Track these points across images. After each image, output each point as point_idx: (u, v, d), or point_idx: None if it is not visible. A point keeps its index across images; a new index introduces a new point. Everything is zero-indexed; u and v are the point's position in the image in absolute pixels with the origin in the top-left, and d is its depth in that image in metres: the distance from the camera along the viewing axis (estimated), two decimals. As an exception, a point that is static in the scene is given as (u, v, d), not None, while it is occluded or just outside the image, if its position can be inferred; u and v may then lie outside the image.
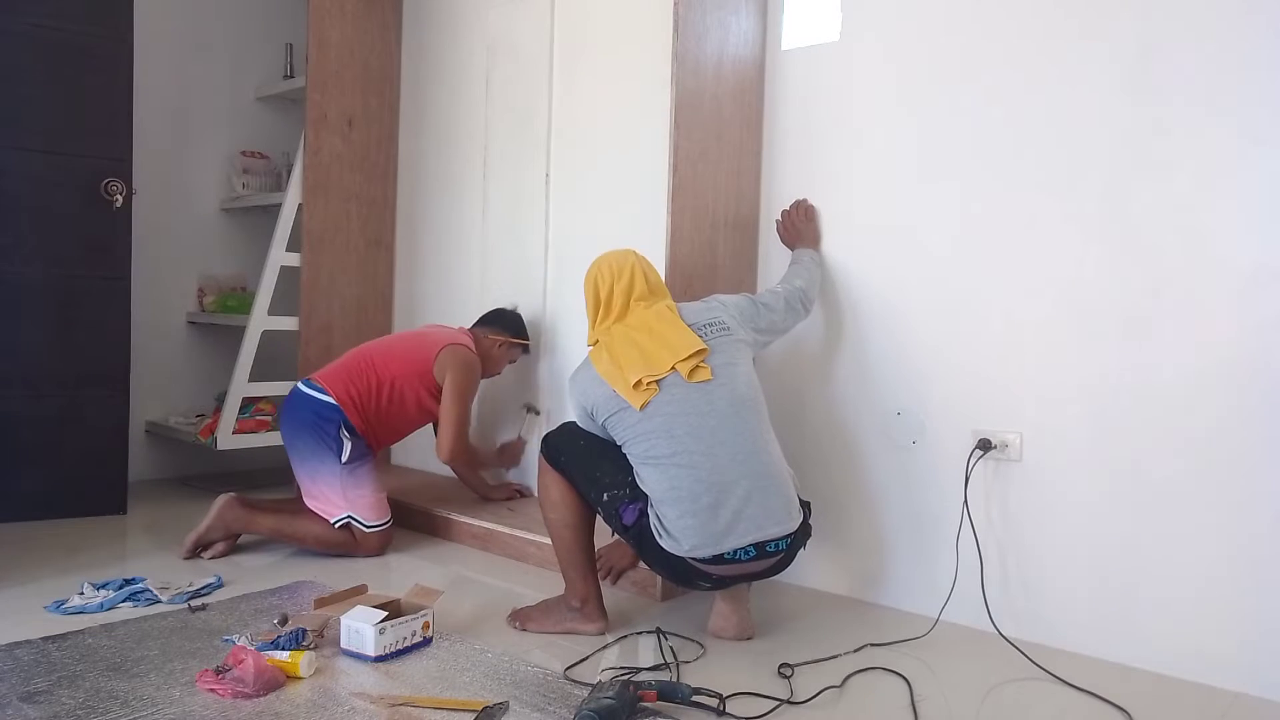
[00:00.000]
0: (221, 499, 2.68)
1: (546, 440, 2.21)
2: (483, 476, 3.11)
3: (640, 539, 2.06)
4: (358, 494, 2.74)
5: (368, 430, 2.82)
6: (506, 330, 3.10)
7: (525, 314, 3.26)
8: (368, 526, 2.73)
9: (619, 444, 2.09)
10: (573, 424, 2.22)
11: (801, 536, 2.09)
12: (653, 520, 2.02)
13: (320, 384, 2.80)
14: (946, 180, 2.37)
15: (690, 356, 2.04)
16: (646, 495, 2.04)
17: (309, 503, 2.75)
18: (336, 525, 2.71)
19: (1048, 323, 2.21)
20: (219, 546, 2.67)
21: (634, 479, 2.06)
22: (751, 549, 1.98)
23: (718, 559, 1.98)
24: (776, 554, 2.03)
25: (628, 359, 2.06)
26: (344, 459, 2.73)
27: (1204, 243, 2.01)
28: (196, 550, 2.66)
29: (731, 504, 1.97)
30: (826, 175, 2.59)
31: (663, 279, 2.34)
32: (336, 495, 2.72)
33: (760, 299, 2.31)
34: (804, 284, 2.42)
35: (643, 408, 2.02)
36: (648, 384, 2.02)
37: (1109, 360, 2.12)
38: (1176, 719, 1.84)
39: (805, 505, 2.12)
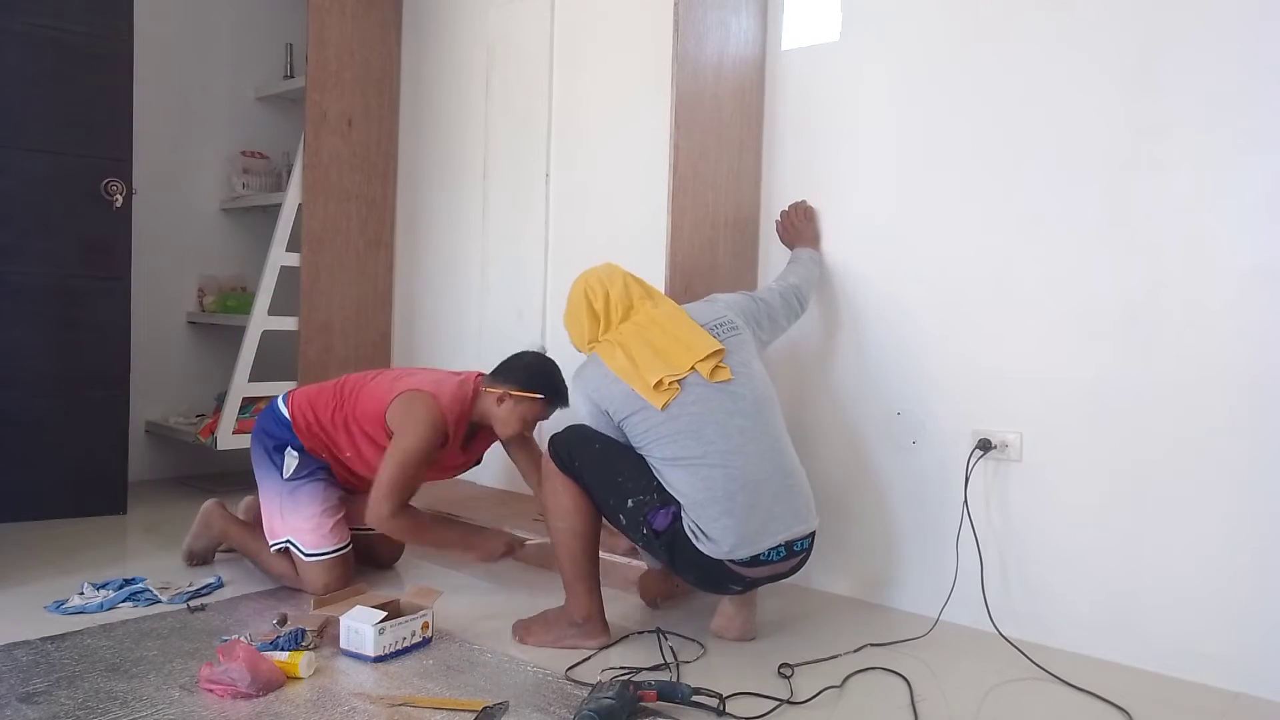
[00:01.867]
0: (206, 505, 2.61)
1: (555, 443, 2.11)
2: (455, 533, 2.51)
3: (673, 545, 1.99)
4: (296, 515, 2.41)
5: (324, 451, 2.48)
6: (509, 382, 2.42)
7: (524, 314, 3.25)
8: (305, 554, 2.38)
9: (637, 447, 2.03)
10: (583, 426, 2.12)
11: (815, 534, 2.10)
12: (688, 525, 1.95)
13: (287, 398, 2.56)
14: (947, 180, 2.37)
15: (709, 356, 2.01)
16: (675, 499, 1.98)
17: (264, 521, 2.51)
18: (275, 549, 2.44)
19: (1048, 323, 2.21)
20: (212, 551, 2.64)
21: (659, 483, 2.00)
22: (782, 549, 1.98)
23: (754, 560, 1.96)
24: (801, 553, 2.04)
25: (643, 358, 2.01)
26: (285, 475, 2.44)
27: (1204, 243, 2.01)
28: (193, 561, 2.61)
29: (764, 503, 1.96)
30: (826, 175, 2.59)
31: (654, 284, 2.33)
32: (275, 513, 2.44)
33: (758, 296, 2.30)
34: (799, 281, 2.41)
35: (665, 408, 1.97)
36: (669, 384, 1.97)
37: (1109, 360, 2.12)
38: (1176, 719, 1.84)
39: None
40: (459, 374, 2.52)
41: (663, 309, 2.13)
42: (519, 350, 2.59)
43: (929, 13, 2.40)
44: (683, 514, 1.97)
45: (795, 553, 2.02)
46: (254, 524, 2.57)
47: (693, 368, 1.99)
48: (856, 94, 2.53)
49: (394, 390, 2.40)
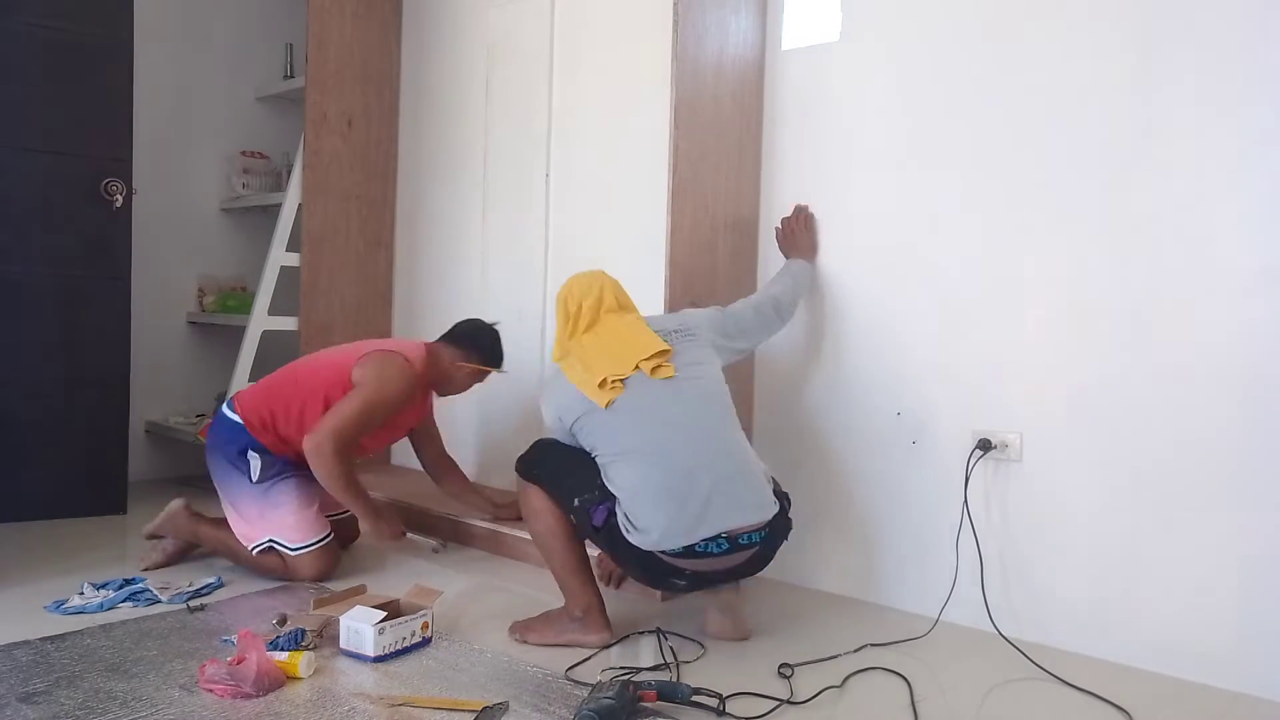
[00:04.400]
0: (173, 504, 2.60)
1: (521, 459, 2.20)
2: (364, 504, 2.49)
3: (612, 539, 2.03)
4: (276, 514, 2.46)
5: (284, 447, 2.51)
6: (476, 353, 2.71)
7: (524, 314, 3.25)
8: (291, 549, 2.45)
9: (588, 448, 2.07)
10: (542, 439, 2.22)
11: (780, 531, 2.07)
12: (621, 518, 2.00)
13: (234, 403, 2.59)
14: (947, 180, 2.37)
15: (654, 355, 2.05)
16: (614, 495, 2.02)
17: (234, 528, 2.52)
18: (256, 551, 2.46)
19: (1048, 323, 2.21)
20: (168, 546, 2.59)
21: (603, 482, 2.04)
22: (724, 541, 1.96)
23: (689, 551, 1.96)
24: (750, 547, 2.00)
25: (596, 362, 2.08)
26: (254, 478, 2.48)
27: (1204, 243, 2.01)
28: (152, 538, 2.62)
29: (700, 493, 1.96)
30: (826, 175, 2.59)
31: (654, 283, 2.35)
32: (255, 517, 2.48)
33: (729, 309, 2.32)
34: (779, 291, 2.41)
35: (608, 405, 2.02)
36: (613, 383, 2.03)
37: (1109, 360, 2.12)
38: (1176, 719, 1.84)
39: (783, 497, 2.10)
40: (409, 341, 2.72)
41: (624, 319, 2.16)
42: (473, 317, 2.84)
43: (929, 13, 2.40)
44: (617, 508, 2.01)
45: (741, 546, 1.99)
46: (224, 524, 2.57)
47: (637, 366, 2.04)
48: (856, 94, 2.53)
49: (359, 352, 2.54)
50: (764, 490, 2.05)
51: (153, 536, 2.65)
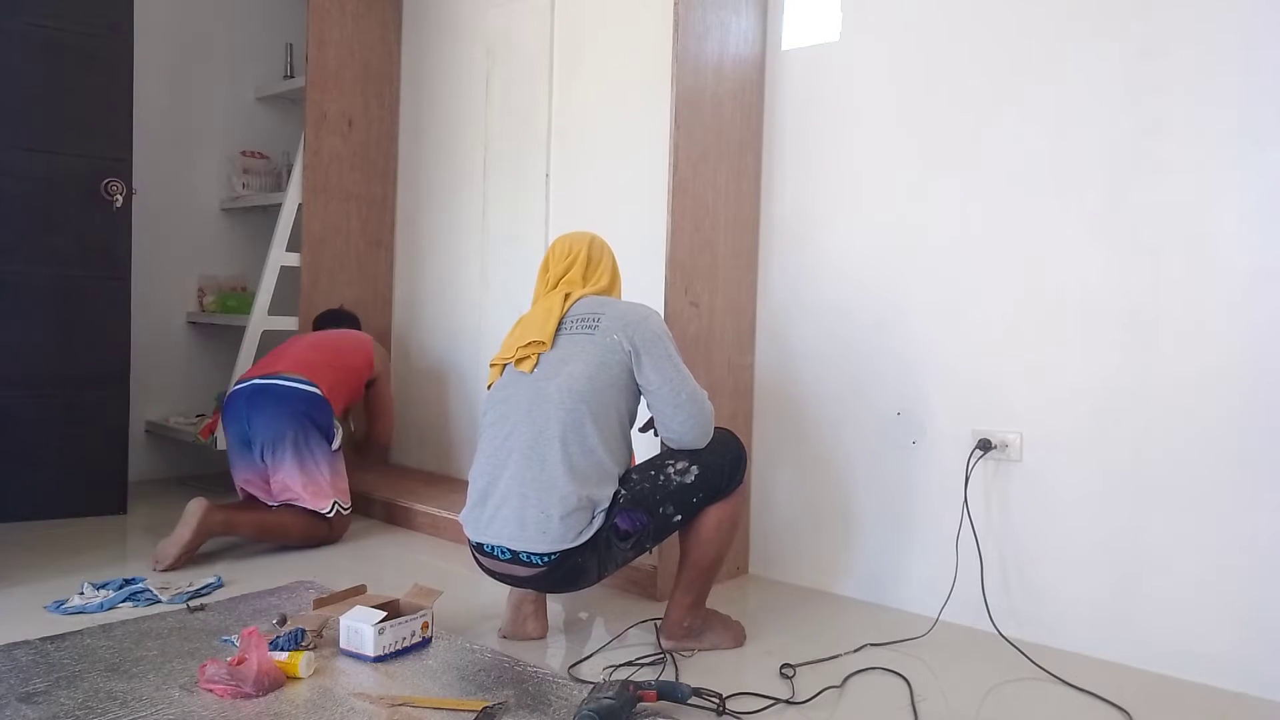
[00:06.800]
0: (198, 507, 2.54)
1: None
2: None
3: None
4: (340, 479, 2.84)
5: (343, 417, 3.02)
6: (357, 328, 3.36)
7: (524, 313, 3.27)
8: (345, 509, 2.83)
9: None
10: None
11: (571, 570, 1.95)
12: None
13: (304, 376, 2.82)
14: (946, 180, 2.37)
15: (527, 345, 2.04)
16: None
17: (291, 498, 2.72)
18: (329, 515, 2.77)
19: (1048, 323, 2.21)
20: (186, 544, 2.55)
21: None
22: (506, 550, 1.96)
23: (480, 549, 2.02)
24: (533, 565, 1.94)
25: (508, 340, 2.12)
26: (335, 446, 2.82)
27: (1204, 243, 2.01)
28: (180, 562, 2.54)
29: (494, 499, 1.98)
30: (826, 175, 2.59)
31: (654, 281, 2.31)
32: (326, 484, 2.77)
33: (669, 350, 1.99)
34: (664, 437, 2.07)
35: (489, 387, 2.11)
36: (497, 366, 2.10)
37: (1109, 360, 2.12)
38: (1176, 719, 1.84)
39: (610, 529, 1.92)
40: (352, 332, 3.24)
41: (553, 299, 2.09)
42: (331, 309, 3.44)
43: (929, 13, 2.40)
44: None
45: (524, 563, 1.95)
46: (255, 508, 2.77)
47: (515, 352, 2.07)
48: (856, 94, 2.53)
49: (364, 345, 3.10)
50: (550, 520, 1.89)
51: (177, 560, 2.52)
